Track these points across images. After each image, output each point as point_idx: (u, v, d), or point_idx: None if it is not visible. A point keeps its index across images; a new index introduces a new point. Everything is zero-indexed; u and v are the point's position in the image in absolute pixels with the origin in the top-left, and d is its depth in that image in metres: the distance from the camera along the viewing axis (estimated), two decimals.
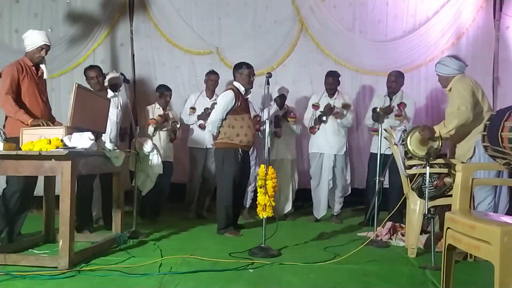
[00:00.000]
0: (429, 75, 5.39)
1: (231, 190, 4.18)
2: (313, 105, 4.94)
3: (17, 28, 5.35)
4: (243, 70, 4.25)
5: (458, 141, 3.49)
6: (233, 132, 4.18)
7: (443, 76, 3.54)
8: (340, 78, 5.04)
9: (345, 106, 4.86)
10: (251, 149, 4.57)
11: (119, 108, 4.52)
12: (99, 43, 5.55)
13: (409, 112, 4.68)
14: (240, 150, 4.18)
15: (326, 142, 4.90)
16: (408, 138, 3.46)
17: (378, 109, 4.53)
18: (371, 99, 5.35)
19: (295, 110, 5.15)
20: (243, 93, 4.25)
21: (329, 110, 4.81)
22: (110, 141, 4.16)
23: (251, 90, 4.35)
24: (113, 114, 4.29)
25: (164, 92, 4.89)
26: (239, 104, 4.18)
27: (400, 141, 3.50)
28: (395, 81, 4.73)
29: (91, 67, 4.50)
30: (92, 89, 4.12)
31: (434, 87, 5.35)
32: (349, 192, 5.17)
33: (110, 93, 4.42)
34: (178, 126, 4.89)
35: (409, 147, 3.45)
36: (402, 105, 4.64)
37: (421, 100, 5.42)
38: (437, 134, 3.35)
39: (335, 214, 5.05)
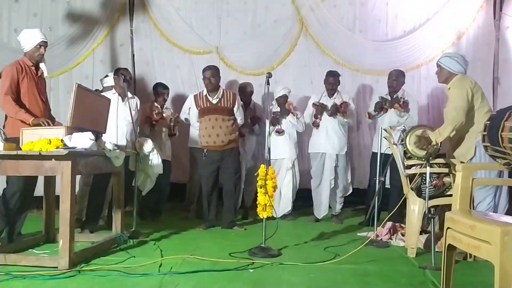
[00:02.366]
0: (429, 75, 5.39)
1: (204, 188, 4.59)
2: (314, 104, 4.94)
3: (16, 28, 5.33)
4: (203, 73, 4.53)
5: (457, 141, 3.49)
6: (199, 133, 4.59)
7: (448, 72, 3.50)
8: (340, 78, 5.04)
9: (343, 105, 4.86)
10: (233, 151, 4.55)
11: (136, 110, 4.50)
12: (98, 42, 5.55)
13: (411, 112, 4.68)
14: (205, 150, 4.50)
15: (328, 141, 4.89)
16: (407, 138, 3.46)
17: (386, 102, 4.53)
18: (371, 98, 5.34)
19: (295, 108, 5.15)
20: (206, 95, 4.48)
21: (335, 109, 4.82)
22: (127, 141, 4.28)
23: (216, 91, 4.48)
24: (130, 115, 4.23)
25: (161, 91, 4.90)
26: (200, 107, 4.50)
27: (399, 141, 3.50)
28: (396, 79, 4.73)
29: (126, 68, 4.67)
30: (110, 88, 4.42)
31: (435, 87, 5.36)
32: (350, 191, 5.17)
33: (129, 95, 4.40)
34: (176, 115, 4.93)
35: (408, 147, 3.45)
36: (404, 104, 4.64)
37: (421, 99, 5.41)
38: (433, 143, 3.35)
39: (335, 214, 5.05)
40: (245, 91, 5.12)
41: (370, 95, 5.51)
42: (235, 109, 4.52)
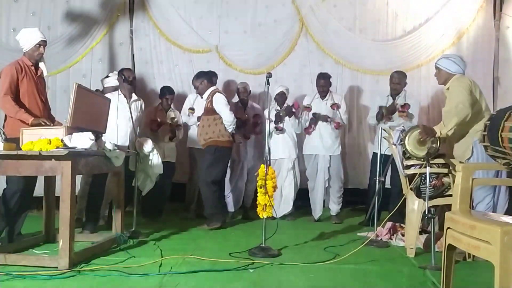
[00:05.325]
0: (429, 75, 5.38)
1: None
2: (305, 107, 4.95)
3: (15, 27, 5.32)
4: None
5: (456, 141, 3.50)
6: None
7: (446, 73, 3.51)
8: (340, 78, 5.06)
9: (333, 106, 4.87)
10: (208, 149, 4.52)
11: (141, 112, 4.55)
12: (97, 42, 5.55)
13: (412, 112, 4.65)
14: None
15: (321, 143, 4.90)
16: (406, 138, 3.46)
17: (383, 110, 4.54)
18: (371, 98, 5.34)
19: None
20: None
21: (323, 118, 4.85)
22: (130, 142, 4.30)
23: (201, 94, 4.57)
24: (131, 116, 4.21)
25: (166, 94, 4.92)
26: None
27: (399, 141, 3.50)
28: (399, 83, 4.70)
29: (128, 69, 4.71)
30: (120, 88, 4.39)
31: (435, 87, 5.36)
32: (342, 191, 5.13)
33: (134, 97, 4.47)
34: (179, 124, 4.95)
35: (407, 147, 3.45)
36: (406, 106, 4.63)
37: (421, 99, 5.39)
38: (438, 134, 3.34)
39: (334, 214, 5.04)
40: (244, 91, 5.13)
41: (370, 95, 5.51)
42: (216, 108, 4.42)
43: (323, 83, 4.90)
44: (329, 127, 4.89)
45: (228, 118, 4.42)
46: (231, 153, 4.63)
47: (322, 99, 4.95)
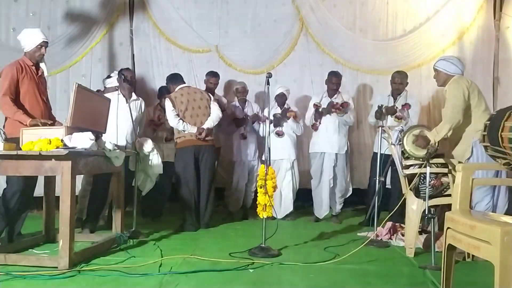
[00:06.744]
0: (430, 75, 5.32)
1: None
2: (314, 105, 4.95)
3: (15, 27, 5.32)
4: None
5: (455, 141, 3.50)
6: None
7: (445, 74, 3.52)
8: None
9: (343, 104, 4.86)
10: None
11: (140, 112, 4.55)
12: (97, 41, 5.56)
13: (413, 113, 4.64)
14: None
15: (328, 141, 4.89)
16: (405, 138, 3.46)
17: (383, 108, 4.54)
18: (371, 98, 5.33)
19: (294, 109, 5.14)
20: None
21: (330, 106, 4.83)
22: (127, 142, 4.29)
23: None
24: (131, 116, 4.19)
25: (164, 94, 4.93)
26: None
27: (397, 141, 3.50)
28: (401, 83, 4.69)
29: (128, 68, 4.73)
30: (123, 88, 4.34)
31: (435, 87, 5.33)
32: (350, 192, 5.14)
33: (134, 97, 4.48)
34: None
35: (406, 147, 3.45)
36: (406, 106, 4.62)
37: (422, 99, 5.39)
38: (432, 142, 3.35)
39: (334, 214, 5.05)
40: (243, 91, 5.14)
41: (370, 95, 5.52)
42: None
43: (336, 80, 4.90)
44: (336, 125, 4.87)
45: (171, 124, 4.45)
46: (192, 151, 4.39)
47: (331, 98, 4.94)
